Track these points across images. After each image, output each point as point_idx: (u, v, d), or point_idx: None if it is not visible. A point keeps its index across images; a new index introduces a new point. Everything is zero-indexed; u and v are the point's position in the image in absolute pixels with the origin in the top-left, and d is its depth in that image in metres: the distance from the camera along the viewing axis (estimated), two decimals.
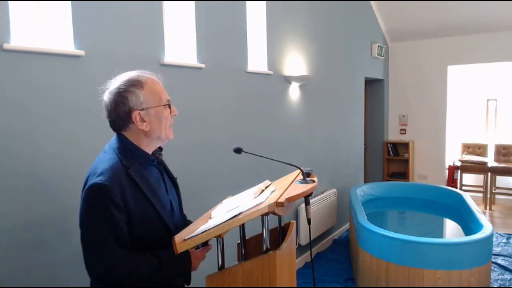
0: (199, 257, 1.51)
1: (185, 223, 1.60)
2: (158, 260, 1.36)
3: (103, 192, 1.27)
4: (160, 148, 1.53)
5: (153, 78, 1.43)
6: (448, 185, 6.51)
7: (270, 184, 1.72)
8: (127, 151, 1.39)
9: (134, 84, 1.37)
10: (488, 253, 3.24)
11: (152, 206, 1.39)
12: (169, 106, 1.44)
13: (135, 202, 1.34)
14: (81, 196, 1.33)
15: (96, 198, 1.27)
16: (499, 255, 4.43)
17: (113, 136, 1.44)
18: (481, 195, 6.46)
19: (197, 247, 1.54)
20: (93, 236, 1.30)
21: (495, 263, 4.18)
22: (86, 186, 1.30)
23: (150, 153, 1.48)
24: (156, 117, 1.40)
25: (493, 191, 6.40)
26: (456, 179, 6.54)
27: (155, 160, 1.49)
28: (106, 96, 1.39)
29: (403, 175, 6.75)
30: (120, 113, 1.37)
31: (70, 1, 1.96)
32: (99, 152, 1.69)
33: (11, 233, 1.75)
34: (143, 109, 1.37)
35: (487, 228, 3.28)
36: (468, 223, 3.85)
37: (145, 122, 1.38)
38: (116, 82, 1.39)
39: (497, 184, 6.46)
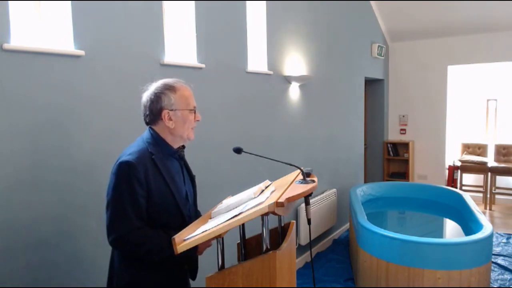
0: (205, 242, 1.60)
1: (197, 216, 1.74)
2: (168, 237, 1.47)
3: (130, 168, 1.49)
4: (183, 146, 1.75)
5: (186, 86, 1.69)
6: (448, 185, 6.51)
7: (270, 184, 1.72)
8: (154, 141, 1.63)
9: (168, 88, 1.63)
10: (488, 253, 3.24)
11: (170, 190, 1.59)
12: (194, 112, 1.67)
13: (155, 183, 1.55)
14: (111, 171, 1.56)
15: (123, 173, 1.50)
16: (499, 255, 4.43)
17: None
18: (481, 195, 6.46)
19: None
20: (115, 205, 1.51)
21: (495, 263, 4.18)
22: (116, 163, 1.53)
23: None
24: (182, 119, 1.63)
25: (493, 191, 6.40)
26: (456, 179, 6.54)
27: (177, 153, 1.70)
28: (145, 95, 1.65)
29: (403, 175, 6.75)
30: (153, 109, 1.62)
31: (70, 1, 1.96)
32: (99, 151, 1.93)
33: (11, 233, 1.75)
34: (172, 110, 1.61)
35: (487, 228, 3.28)
36: (468, 223, 3.85)
37: (172, 120, 1.62)
38: (155, 85, 1.65)
39: (497, 184, 6.46)
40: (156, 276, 1.58)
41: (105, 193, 1.57)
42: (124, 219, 1.49)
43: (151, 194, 1.53)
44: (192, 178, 1.81)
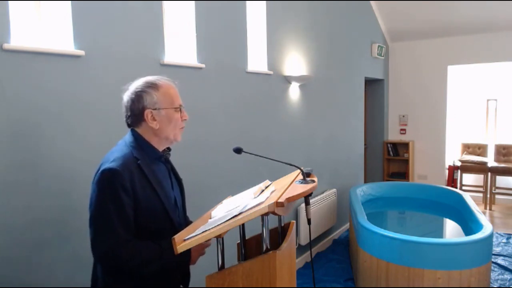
0: (198, 251, 1.56)
1: (187, 223, 1.66)
2: (160, 248, 1.42)
3: (114, 176, 1.37)
4: (168, 148, 1.63)
5: (170, 83, 1.56)
6: (448, 185, 6.51)
7: (270, 184, 1.72)
8: (139, 145, 1.51)
9: (150, 86, 1.51)
10: (488, 253, 3.24)
11: (158, 197, 1.48)
12: (181, 111, 1.56)
13: (142, 191, 1.43)
14: (93, 180, 1.44)
15: (107, 182, 1.38)
16: (499, 255, 4.43)
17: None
18: (481, 195, 6.46)
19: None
20: (100, 217, 1.38)
21: (495, 263, 4.18)
22: (99, 171, 1.41)
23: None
24: (166, 118, 1.52)
25: (493, 191, 6.40)
26: (456, 179, 6.54)
27: (163, 157, 1.59)
28: (126, 95, 1.53)
29: (403, 175, 6.75)
30: (134, 110, 1.50)
31: (70, 1, 1.96)
32: (98, 152, 1.80)
33: (11, 233, 1.75)
34: (155, 109, 1.49)
35: (487, 228, 3.28)
36: (468, 223, 3.85)
37: (156, 121, 1.50)
38: (136, 83, 1.53)
39: (497, 184, 6.46)
40: (145, 285, 1.49)
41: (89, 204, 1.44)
42: (111, 232, 1.36)
43: (139, 202, 1.42)
44: (179, 182, 1.70)
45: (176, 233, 1.45)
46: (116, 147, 1.53)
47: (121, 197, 1.37)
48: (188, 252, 1.49)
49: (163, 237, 1.46)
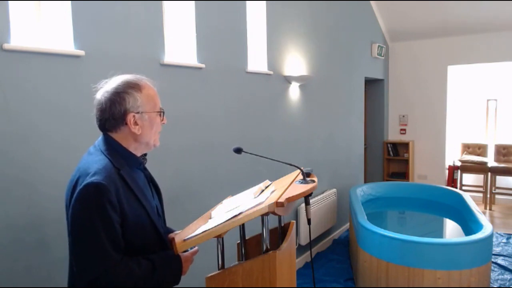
0: (189, 260, 1.47)
1: (168, 232, 1.56)
2: (152, 264, 1.33)
3: (101, 191, 1.23)
4: (145, 154, 1.50)
5: (150, 84, 1.43)
6: (448, 185, 6.51)
7: (270, 184, 1.72)
8: (116, 152, 1.37)
9: (132, 87, 1.37)
10: (488, 253, 3.24)
11: (144, 210, 1.37)
12: (161, 114, 1.44)
13: (128, 204, 1.31)
14: (71, 197, 1.27)
15: (93, 198, 1.22)
16: (499, 255, 4.42)
17: (100, 137, 1.42)
18: (481, 195, 6.46)
19: (185, 250, 1.50)
20: (89, 239, 1.23)
21: (495, 263, 4.18)
22: (81, 186, 1.24)
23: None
24: (149, 122, 1.39)
25: (493, 191, 6.40)
26: (456, 179, 6.54)
27: (142, 164, 1.47)
28: (101, 95, 1.37)
29: (403, 175, 6.75)
30: (114, 113, 1.35)
31: (70, 1, 1.96)
32: None
33: (11, 234, 1.75)
34: (138, 112, 1.36)
35: (487, 228, 3.28)
36: (468, 223, 3.85)
37: (138, 125, 1.37)
38: (113, 83, 1.38)
39: (497, 184, 6.46)
40: None
41: (67, 225, 1.30)
42: (103, 255, 1.23)
43: (126, 217, 1.29)
44: (157, 189, 1.58)
45: (163, 245, 1.41)
46: (90, 156, 1.37)
47: (109, 214, 1.23)
48: (180, 264, 1.42)
49: (150, 250, 1.37)
